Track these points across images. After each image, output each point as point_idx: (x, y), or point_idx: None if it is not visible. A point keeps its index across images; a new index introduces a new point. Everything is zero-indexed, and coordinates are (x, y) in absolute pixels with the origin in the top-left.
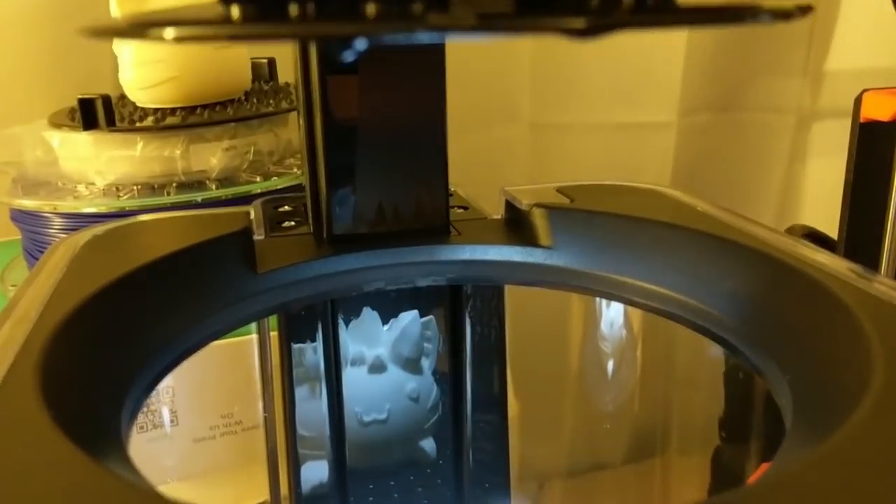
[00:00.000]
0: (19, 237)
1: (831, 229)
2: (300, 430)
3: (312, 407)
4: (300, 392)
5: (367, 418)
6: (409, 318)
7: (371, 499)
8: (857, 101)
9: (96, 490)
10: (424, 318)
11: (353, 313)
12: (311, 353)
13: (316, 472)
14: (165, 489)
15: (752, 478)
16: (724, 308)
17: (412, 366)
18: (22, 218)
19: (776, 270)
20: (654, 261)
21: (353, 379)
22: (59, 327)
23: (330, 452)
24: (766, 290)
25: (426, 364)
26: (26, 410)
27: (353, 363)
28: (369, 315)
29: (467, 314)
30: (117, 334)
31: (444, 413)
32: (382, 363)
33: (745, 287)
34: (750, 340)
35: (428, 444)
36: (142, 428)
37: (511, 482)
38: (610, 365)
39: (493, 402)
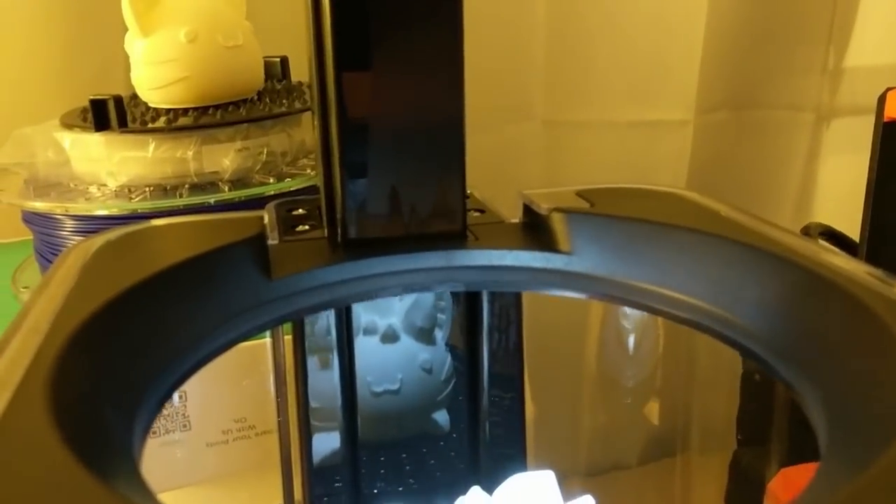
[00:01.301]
0: (31, 238)
1: (849, 228)
2: (312, 402)
3: (324, 377)
4: (312, 362)
5: (378, 388)
6: None
7: (383, 471)
8: (881, 101)
9: None
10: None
11: None
12: (324, 321)
13: (327, 443)
14: (178, 494)
15: (771, 482)
16: (751, 318)
17: (425, 336)
18: (34, 219)
19: (804, 279)
20: (677, 267)
21: (365, 348)
22: (70, 340)
23: (342, 423)
24: (795, 300)
25: (440, 335)
26: (35, 429)
27: (366, 332)
28: None
29: (484, 302)
30: (129, 346)
31: (459, 385)
32: (395, 333)
33: (773, 296)
34: (779, 352)
35: (441, 417)
36: (155, 433)
37: (527, 456)
38: (630, 351)
39: (509, 374)
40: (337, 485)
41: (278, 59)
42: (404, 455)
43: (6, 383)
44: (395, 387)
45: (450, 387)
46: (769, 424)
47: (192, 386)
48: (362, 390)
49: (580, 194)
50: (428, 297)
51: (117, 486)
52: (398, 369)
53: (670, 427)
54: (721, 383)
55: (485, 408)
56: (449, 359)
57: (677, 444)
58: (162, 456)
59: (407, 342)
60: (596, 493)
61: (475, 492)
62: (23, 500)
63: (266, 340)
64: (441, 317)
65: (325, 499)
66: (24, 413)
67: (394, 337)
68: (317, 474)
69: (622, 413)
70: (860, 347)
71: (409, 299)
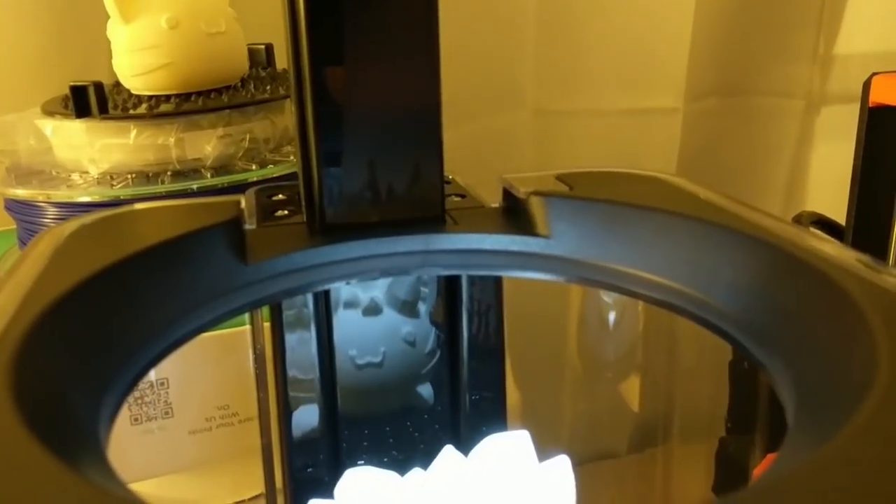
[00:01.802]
0: (15, 228)
1: (840, 216)
2: (291, 372)
3: (303, 352)
4: (290, 337)
5: (361, 361)
6: None
7: (366, 443)
8: (866, 85)
9: (65, 496)
10: None
11: None
12: (302, 296)
13: (308, 419)
14: (161, 482)
15: (757, 469)
16: (726, 299)
17: (408, 309)
18: (16, 207)
19: (779, 260)
20: (654, 250)
21: (347, 321)
22: (36, 322)
23: (321, 397)
24: (770, 281)
25: (423, 308)
26: None
27: (348, 305)
28: None
29: (463, 284)
30: (99, 328)
31: (442, 358)
32: (378, 305)
33: (748, 278)
34: (753, 333)
35: (425, 390)
36: (136, 420)
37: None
38: (611, 328)
39: (490, 348)
40: (318, 459)
41: (263, 47)
42: (387, 428)
43: None
44: (378, 360)
45: (434, 360)
46: (756, 412)
47: (175, 373)
48: (345, 363)
49: (560, 178)
50: None
51: (81, 468)
52: (381, 342)
53: (656, 415)
54: (706, 369)
55: (465, 381)
56: (433, 332)
57: (664, 432)
58: (144, 444)
59: (390, 315)
60: (583, 482)
61: (449, 451)
62: None
63: (247, 327)
64: (424, 290)
65: (309, 469)
66: None
67: (376, 310)
68: (297, 450)
69: (607, 398)
70: (832, 327)
71: None
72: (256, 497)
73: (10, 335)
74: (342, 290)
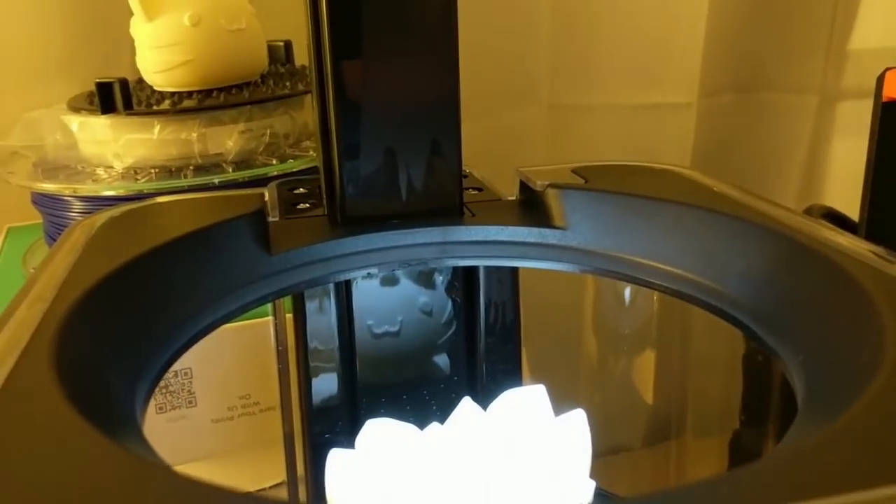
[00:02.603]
0: (41, 221)
1: (854, 211)
2: (312, 343)
3: (324, 320)
4: (311, 306)
5: (378, 330)
6: None
7: (383, 411)
8: (880, 80)
9: (109, 465)
10: None
11: None
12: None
13: (327, 385)
14: (184, 469)
15: None
16: (738, 288)
17: (425, 279)
18: (43, 201)
19: (791, 250)
20: (668, 241)
21: (366, 290)
22: (74, 308)
23: (339, 365)
24: (781, 271)
25: (440, 279)
26: (40, 388)
27: (365, 276)
28: None
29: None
30: (131, 315)
31: (459, 329)
32: (395, 276)
33: (760, 267)
34: (764, 321)
35: (441, 359)
36: (161, 408)
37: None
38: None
39: (506, 321)
40: (337, 426)
41: (282, 43)
42: (405, 396)
43: (13, 346)
44: (396, 328)
45: (450, 330)
46: (769, 403)
47: (198, 363)
48: (363, 332)
49: (576, 171)
50: None
51: (121, 442)
52: (398, 312)
53: (670, 407)
54: (719, 362)
55: (482, 354)
56: (449, 302)
57: (678, 424)
58: (168, 432)
59: (407, 285)
60: (599, 476)
61: (467, 402)
62: (30, 455)
63: (270, 318)
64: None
65: (326, 435)
66: (30, 372)
67: (394, 280)
68: (317, 417)
69: (621, 390)
70: (842, 315)
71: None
72: (277, 485)
73: (51, 320)
74: None
